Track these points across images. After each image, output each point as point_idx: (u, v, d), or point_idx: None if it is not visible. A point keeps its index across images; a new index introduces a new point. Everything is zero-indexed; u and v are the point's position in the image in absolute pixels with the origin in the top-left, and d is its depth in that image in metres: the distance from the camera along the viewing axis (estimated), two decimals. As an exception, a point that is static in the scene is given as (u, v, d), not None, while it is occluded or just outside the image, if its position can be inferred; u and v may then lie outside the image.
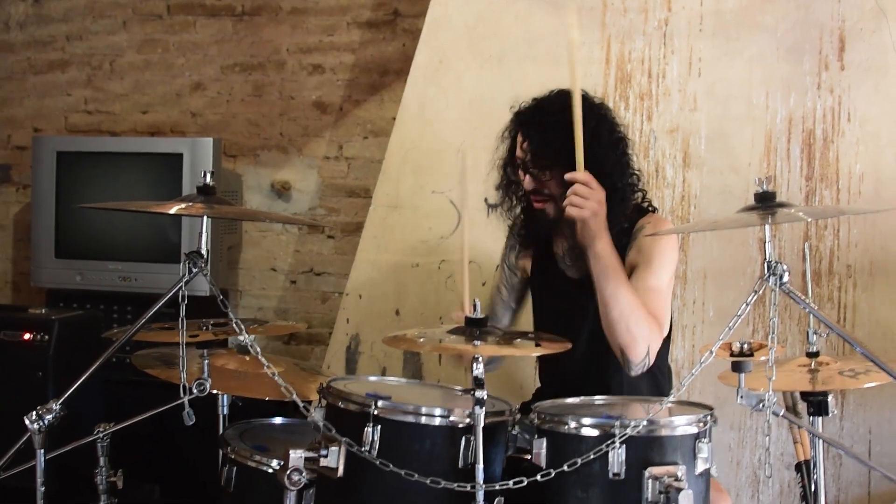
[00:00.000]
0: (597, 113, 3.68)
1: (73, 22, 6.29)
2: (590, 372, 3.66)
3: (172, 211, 3.11)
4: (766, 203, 2.95)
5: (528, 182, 3.70)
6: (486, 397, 2.79)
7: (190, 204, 3.11)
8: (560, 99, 3.65)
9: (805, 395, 3.30)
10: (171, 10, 6.15)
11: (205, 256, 3.03)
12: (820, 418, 3.25)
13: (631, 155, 3.75)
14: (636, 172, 3.76)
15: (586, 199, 3.41)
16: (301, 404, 2.97)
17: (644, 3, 4.88)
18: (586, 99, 3.64)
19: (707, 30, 4.82)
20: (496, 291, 4.05)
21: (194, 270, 3.02)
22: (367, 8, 5.85)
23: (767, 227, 2.90)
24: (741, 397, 2.89)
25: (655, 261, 3.58)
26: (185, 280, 3.01)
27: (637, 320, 3.37)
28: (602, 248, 3.43)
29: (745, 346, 2.94)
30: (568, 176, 3.44)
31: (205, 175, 3.16)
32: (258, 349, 3.05)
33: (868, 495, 4.58)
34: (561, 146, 3.54)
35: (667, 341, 3.88)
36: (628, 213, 3.67)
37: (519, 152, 3.72)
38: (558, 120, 3.56)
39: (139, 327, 3.17)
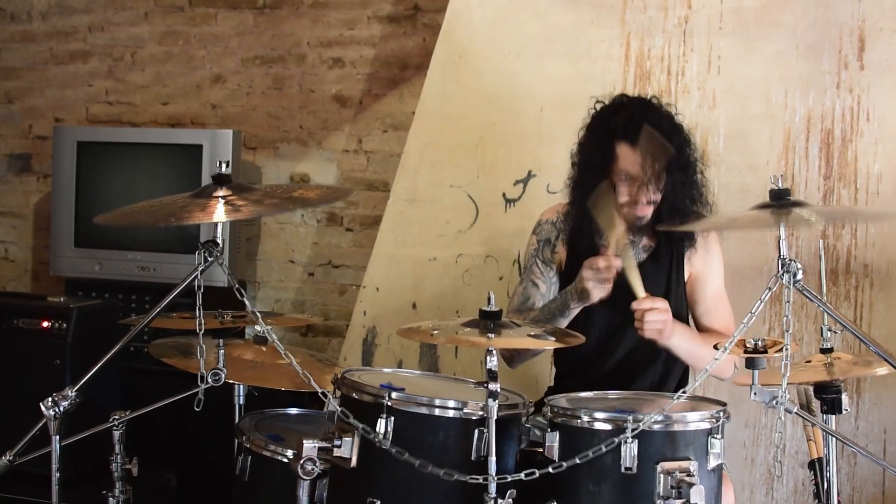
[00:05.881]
0: (680, 134, 3.83)
1: (94, 13, 6.32)
2: (632, 370, 3.81)
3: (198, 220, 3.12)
4: (780, 201, 2.96)
5: (641, 195, 3.73)
6: (499, 390, 2.81)
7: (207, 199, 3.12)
8: (655, 109, 3.85)
9: (819, 393, 3.30)
10: (192, 2, 6.17)
11: (220, 245, 3.04)
12: (833, 416, 3.25)
13: (702, 173, 3.91)
14: (702, 189, 3.89)
15: (663, 321, 3.54)
16: (319, 390, 2.99)
17: (664, 1, 4.88)
18: (670, 118, 3.84)
19: (727, 28, 4.81)
20: (531, 287, 3.97)
21: (209, 259, 3.03)
22: (387, 2, 5.86)
23: (782, 224, 2.91)
24: (754, 394, 2.90)
25: (716, 268, 3.94)
26: (200, 269, 3.03)
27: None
28: (679, 343, 3.63)
29: (759, 342, 2.94)
30: (636, 305, 3.54)
31: (220, 164, 3.16)
32: (275, 337, 3.07)
33: (882, 494, 4.58)
34: (676, 158, 3.73)
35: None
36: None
37: (633, 168, 3.72)
38: (672, 126, 3.81)
39: (154, 316, 3.19)
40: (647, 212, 3.76)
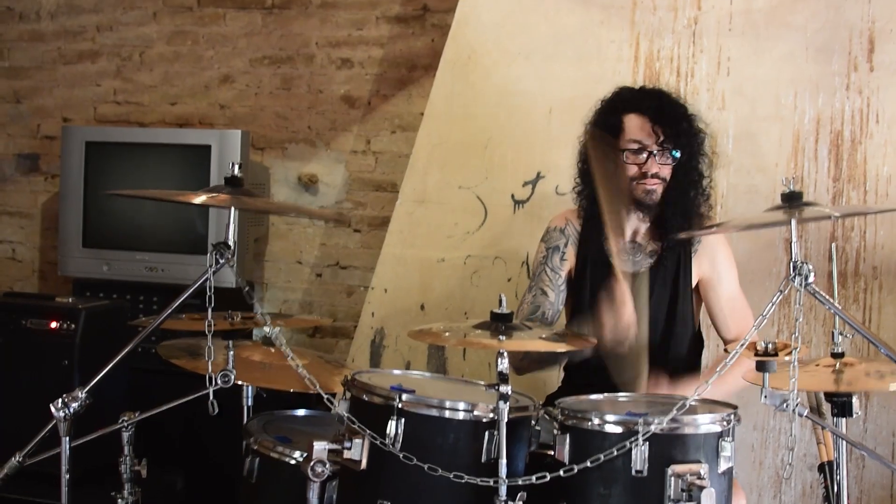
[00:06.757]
0: (700, 133, 3.84)
1: (103, 12, 6.32)
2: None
3: (197, 201, 3.13)
4: (792, 203, 2.95)
5: (650, 164, 3.73)
6: (510, 392, 2.80)
7: (216, 195, 3.13)
8: (668, 93, 3.91)
9: (829, 396, 3.29)
10: (200, 2, 6.17)
11: (232, 248, 3.04)
12: (844, 419, 3.24)
13: (709, 176, 3.92)
14: (707, 189, 3.90)
15: None
16: (325, 396, 2.98)
17: (674, 2, 4.87)
18: (691, 118, 3.82)
19: (736, 29, 4.81)
20: (541, 295, 3.92)
21: (221, 261, 3.03)
22: (396, 3, 5.86)
23: (794, 227, 2.90)
24: (765, 397, 2.89)
25: (726, 271, 3.89)
26: (212, 271, 3.03)
27: (732, 382, 3.46)
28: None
29: (770, 345, 2.94)
30: None
31: (232, 166, 3.17)
32: (283, 341, 3.07)
33: (891, 497, 4.57)
34: (686, 131, 3.75)
35: (700, 343, 3.93)
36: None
37: (641, 135, 3.73)
38: (682, 104, 3.82)
39: (165, 317, 3.19)
40: (656, 186, 3.74)
